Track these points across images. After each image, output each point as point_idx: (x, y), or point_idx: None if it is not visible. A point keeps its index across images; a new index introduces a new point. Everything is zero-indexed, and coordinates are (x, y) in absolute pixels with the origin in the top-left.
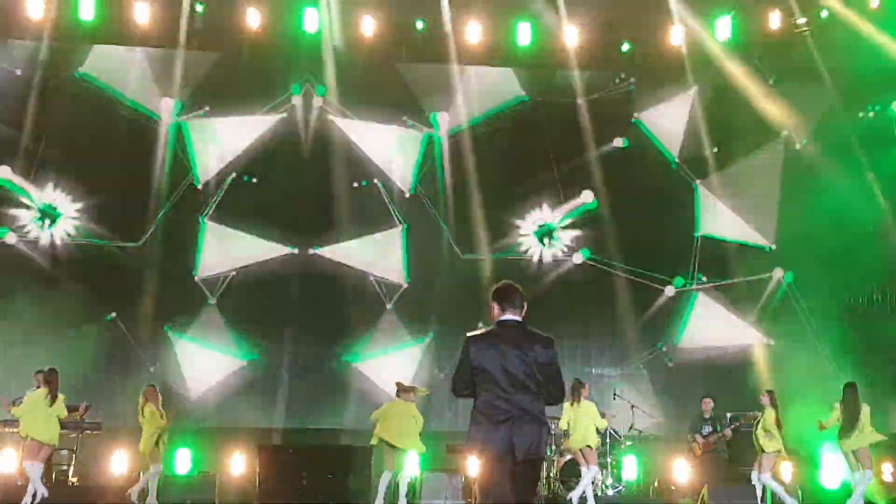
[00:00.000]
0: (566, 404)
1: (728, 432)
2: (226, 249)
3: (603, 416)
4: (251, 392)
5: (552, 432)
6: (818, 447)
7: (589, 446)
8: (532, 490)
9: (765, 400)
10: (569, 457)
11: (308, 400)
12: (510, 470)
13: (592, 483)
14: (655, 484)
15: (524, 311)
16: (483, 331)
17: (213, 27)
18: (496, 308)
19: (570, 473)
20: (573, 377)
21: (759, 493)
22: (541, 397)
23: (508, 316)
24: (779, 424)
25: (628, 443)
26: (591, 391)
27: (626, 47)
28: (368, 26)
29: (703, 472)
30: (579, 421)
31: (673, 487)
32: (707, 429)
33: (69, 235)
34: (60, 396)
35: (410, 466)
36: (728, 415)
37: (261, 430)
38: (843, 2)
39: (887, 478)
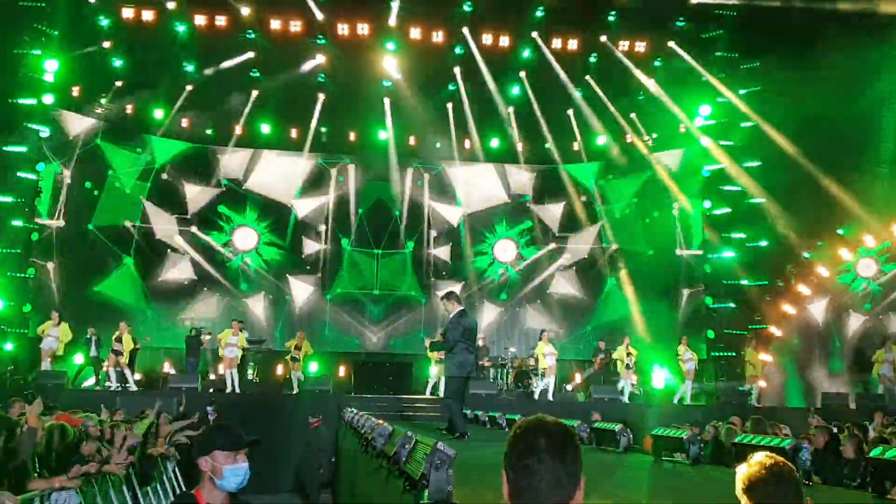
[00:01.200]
0: (539, 342)
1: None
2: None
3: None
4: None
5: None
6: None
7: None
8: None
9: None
10: (516, 370)
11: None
12: (467, 377)
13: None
14: (568, 386)
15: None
16: (459, 312)
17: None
18: (456, 304)
19: (519, 378)
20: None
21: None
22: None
23: (462, 306)
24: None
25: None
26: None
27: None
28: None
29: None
30: (543, 351)
31: (572, 386)
32: (600, 355)
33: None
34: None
35: (434, 372)
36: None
37: (354, 353)
38: None
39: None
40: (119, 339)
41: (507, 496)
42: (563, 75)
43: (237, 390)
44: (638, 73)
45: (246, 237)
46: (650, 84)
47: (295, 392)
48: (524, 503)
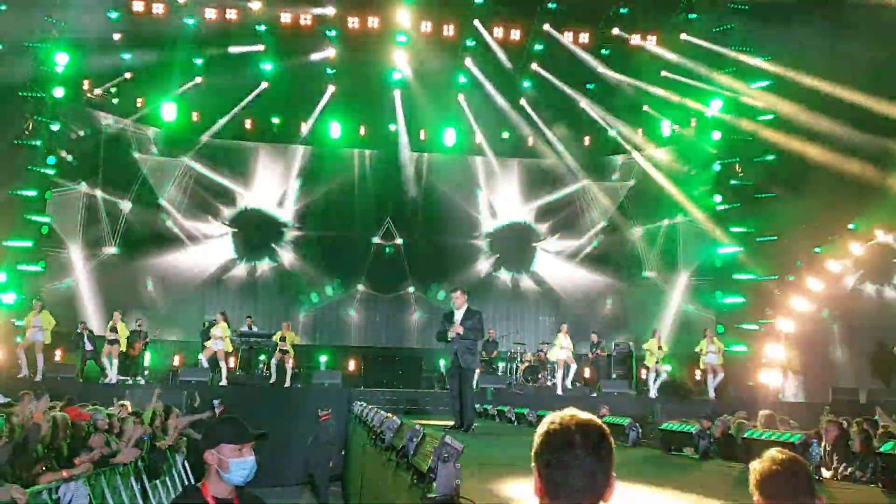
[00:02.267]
0: (558, 335)
1: (600, 352)
2: None
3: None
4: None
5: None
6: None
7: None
8: None
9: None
10: (525, 364)
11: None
12: None
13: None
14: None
15: None
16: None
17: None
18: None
19: (529, 373)
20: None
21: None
22: None
23: None
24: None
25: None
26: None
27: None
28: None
29: (597, 372)
30: (560, 344)
31: (581, 382)
32: (594, 349)
33: None
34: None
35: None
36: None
37: (364, 346)
38: None
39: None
40: (113, 329)
41: (538, 492)
42: (579, 61)
43: (223, 382)
44: (649, 66)
45: (258, 230)
46: (661, 77)
47: (287, 385)
48: (558, 498)
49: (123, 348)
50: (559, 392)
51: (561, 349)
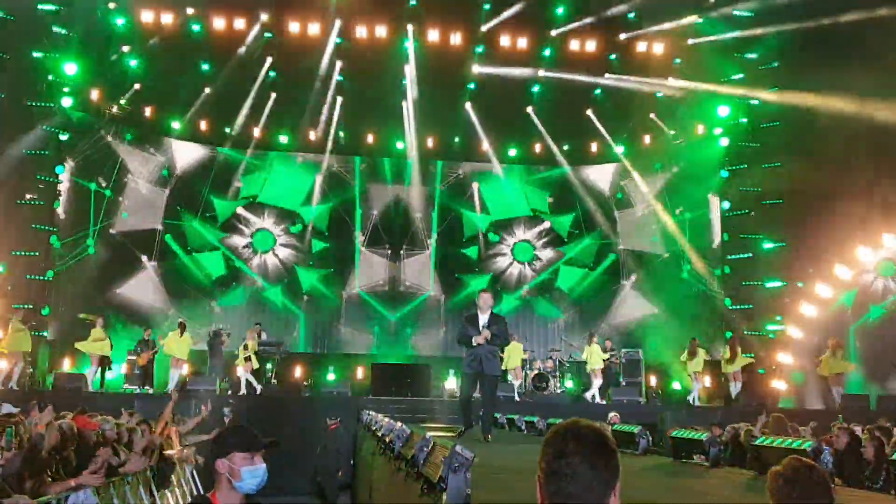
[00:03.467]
0: (593, 345)
1: (614, 359)
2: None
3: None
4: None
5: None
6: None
7: (594, 368)
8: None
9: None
10: (535, 372)
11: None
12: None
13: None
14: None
15: None
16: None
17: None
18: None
19: (539, 380)
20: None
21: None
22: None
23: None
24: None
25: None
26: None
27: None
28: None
29: (609, 379)
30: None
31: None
32: (607, 354)
33: None
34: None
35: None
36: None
37: (371, 355)
38: None
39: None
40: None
41: (539, 501)
42: (582, 75)
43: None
44: (657, 72)
45: (264, 241)
46: (669, 83)
47: (242, 393)
48: None
49: (107, 353)
50: (600, 401)
51: (594, 357)
